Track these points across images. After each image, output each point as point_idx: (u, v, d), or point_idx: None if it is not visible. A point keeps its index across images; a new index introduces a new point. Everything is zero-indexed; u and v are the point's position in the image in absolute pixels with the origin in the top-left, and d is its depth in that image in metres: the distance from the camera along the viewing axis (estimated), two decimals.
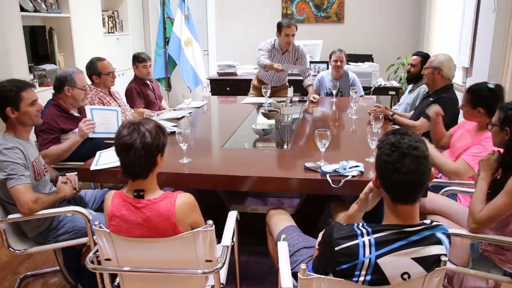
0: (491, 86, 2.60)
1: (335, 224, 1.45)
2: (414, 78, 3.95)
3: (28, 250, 2.33)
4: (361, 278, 1.36)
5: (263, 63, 4.24)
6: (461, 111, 2.81)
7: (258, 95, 4.66)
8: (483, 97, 2.56)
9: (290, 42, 4.24)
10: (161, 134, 1.77)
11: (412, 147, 1.37)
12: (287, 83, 4.86)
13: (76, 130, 2.84)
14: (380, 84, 5.55)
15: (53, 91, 2.98)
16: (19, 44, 3.90)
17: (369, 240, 1.36)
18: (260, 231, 2.46)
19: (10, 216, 2.21)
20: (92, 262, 1.82)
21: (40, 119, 2.43)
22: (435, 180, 2.59)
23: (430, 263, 1.38)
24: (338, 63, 4.45)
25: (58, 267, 2.66)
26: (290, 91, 5.07)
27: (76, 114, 3.00)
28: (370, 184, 1.67)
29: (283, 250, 1.83)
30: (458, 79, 4.25)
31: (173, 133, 2.75)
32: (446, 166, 2.54)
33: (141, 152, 1.68)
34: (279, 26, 4.21)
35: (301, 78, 4.72)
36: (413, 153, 1.37)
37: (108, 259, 1.78)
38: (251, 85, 4.90)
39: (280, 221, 2.23)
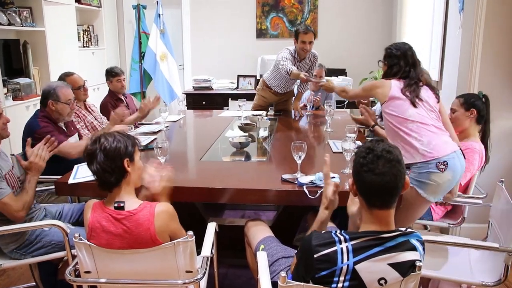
0: (478, 92, 2.88)
1: (313, 232, 1.49)
2: None
3: (4, 265, 2.30)
4: (340, 285, 1.40)
5: (290, 69, 3.90)
6: None
7: (264, 102, 4.58)
8: (476, 99, 2.77)
9: (306, 49, 4.05)
10: (124, 140, 1.82)
11: (386, 150, 1.46)
12: (294, 90, 4.65)
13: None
14: None
15: (40, 105, 2.97)
16: None
17: (347, 246, 1.41)
18: (238, 243, 2.48)
19: None
20: (71, 275, 1.81)
21: (9, 131, 2.41)
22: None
23: (405, 269, 1.43)
24: (317, 78, 4.54)
25: (33, 283, 2.62)
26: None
27: (63, 127, 3.00)
28: (329, 190, 1.81)
29: (262, 260, 1.86)
30: None
31: (151, 148, 2.77)
32: None
33: (102, 158, 1.75)
34: (296, 33, 4.02)
35: None
36: (387, 156, 1.45)
37: (87, 272, 1.78)
38: (258, 91, 4.65)
39: (259, 231, 2.26)
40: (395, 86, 2.56)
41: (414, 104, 2.48)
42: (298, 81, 4.33)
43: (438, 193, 2.42)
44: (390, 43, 2.80)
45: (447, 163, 2.35)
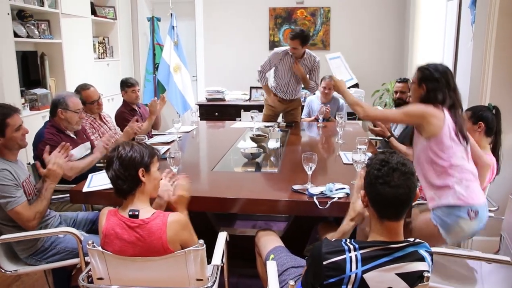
0: (488, 105, 2.77)
1: (324, 240, 1.51)
2: (405, 103, 3.98)
3: (19, 271, 2.34)
4: None
5: (261, 81, 4.52)
6: None
7: (272, 111, 4.68)
8: (484, 111, 2.70)
9: (293, 53, 4.25)
10: (140, 150, 1.88)
11: (401, 163, 1.48)
12: (300, 98, 4.75)
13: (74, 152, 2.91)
14: None
15: (50, 115, 3.03)
16: (12, 69, 3.94)
17: (356, 255, 1.42)
18: (248, 253, 2.50)
19: (2, 237, 2.23)
20: (84, 281, 1.85)
21: (26, 141, 2.46)
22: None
23: (413, 279, 1.44)
24: (326, 90, 4.60)
25: None
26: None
27: (72, 135, 3.05)
28: (359, 203, 1.79)
29: (272, 269, 1.88)
30: None
31: (164, 158, 2.81)
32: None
33: (117, 165, 1.81)
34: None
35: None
36: (402, 169, 1.46)
37: (100, 278, 1.81)
38: (265, 101, 4.75)
39: (269, 241, 2.28)
40: (448, 121, 2.28)
41: (465, 149, 2.31)
42: (302, 85, 4.57)
43: (458, 239, 2.35)
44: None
45: (478, 212, 2.23)
